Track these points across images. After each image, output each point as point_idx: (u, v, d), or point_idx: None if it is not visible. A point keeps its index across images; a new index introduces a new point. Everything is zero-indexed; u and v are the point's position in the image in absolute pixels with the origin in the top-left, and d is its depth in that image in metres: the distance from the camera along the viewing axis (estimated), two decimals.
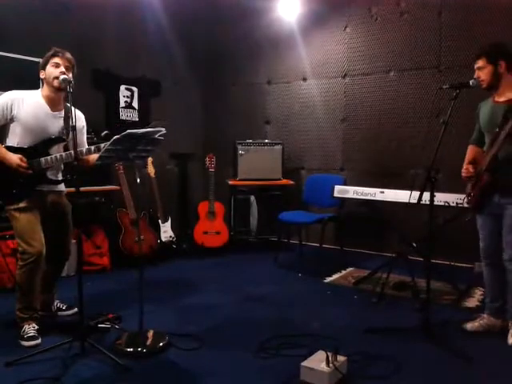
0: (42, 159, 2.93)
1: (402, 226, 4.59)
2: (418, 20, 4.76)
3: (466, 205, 3.08)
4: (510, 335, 2.88)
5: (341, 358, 2.45)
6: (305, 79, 5.58)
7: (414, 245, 3.92)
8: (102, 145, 2.79)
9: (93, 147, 2.91)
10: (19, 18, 4.17)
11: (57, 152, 2.99)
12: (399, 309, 3.51)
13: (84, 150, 2.92)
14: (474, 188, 2.94)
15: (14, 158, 2.84)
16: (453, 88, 2.85)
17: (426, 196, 2.92)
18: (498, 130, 2.75)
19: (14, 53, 4.18)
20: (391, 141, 4.99)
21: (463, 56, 4.34)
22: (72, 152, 2.74)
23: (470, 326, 3.09)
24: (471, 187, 2.98)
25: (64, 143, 3.04)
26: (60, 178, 3.15)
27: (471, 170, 2.93)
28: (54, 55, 2.91)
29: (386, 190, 4.12)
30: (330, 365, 2.38)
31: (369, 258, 4.91)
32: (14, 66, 4.17)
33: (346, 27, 5.23)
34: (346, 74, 5.28)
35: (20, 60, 4.19)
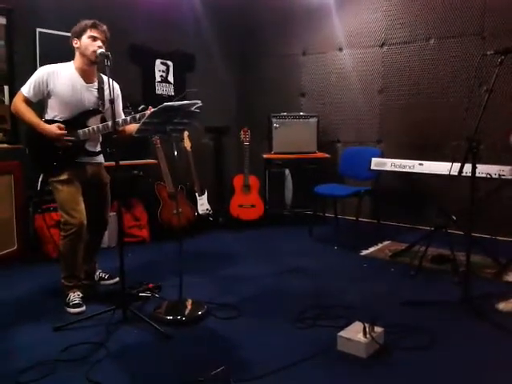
0: (81, 131, 2.99)
1: (441, 199, 4.50)
2: None
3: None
4: None
5: (378, 329, 2.46)
6: (341, 49, 5.46)
7: (454, 218, 3.83)
8: (138, 115, 2.83)
9: (129, 117, 2.95)
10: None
11: (94, 123, 3.04)
12: (438, 282, 3.47)
13: (120, 121, 2.96)
14: None
15: (53, 128, 2.90)
16: (498, 54, 2.73)
17: (468, 168, 2.85)
18: None
19: (51, 29, 4.26)
20: (431, 111, 4.84)
21: (508, 22, 4.14)
22: (109, 123, 2.78)
23: (502, 306, 2.97)
24: None
25: (101, 114, 3.09)
26: (99, 149, 3.20)
27: None
28: (92, 27, 2.91)
29: (425, 162, 4.02)
30: (367, 335, 2.39)
31: (406, 232, 4.84)
32: (51, 42, 4.25)
33: None
34: (383, 43, 5.13)
35: (57, 36, 4.26)
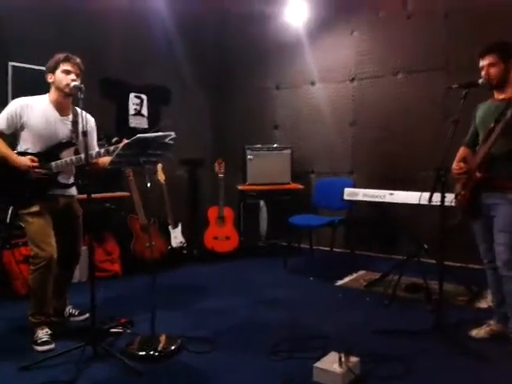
0: (53, 163, 2.96)
1: (413, 228, 4.57)
2: (425, 23, 4.77)
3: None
4: None
5: (353, 359, 2.45)
6: (313, 83, 5.60)
7: (426, 246, 3.89)
8: (111, 147, 2.83)
9: (102, 150, 2.94)
10: (25, 29, 4.24)
11: (67, 156, 3.01)
12: (411, 311, 3.49)
13: (94, 153, 2.95)
14: (465, 187, 2.87)
15: (25, 160, 2.87)
16: (461, 87, 2.84)
17: (437, 197, 2.91)
18: (493, 124, 2.68)
19: (24, 63, 4.25)
20: (400, 143, 4.98)
21: (471, 57, 4.32)
22: (82, 156, 2.77)
23: (475, 332, 2.99)
24: (461, 187, 2.91)
25: (74, 147, 3.07)
26: (71, 181, 3.17)
27: (463, 166, 2.85)
28: (64, 60, 2.92)
29: (395, 192, 4.11)
30: (343, 366, 2.37)
31: (380, 261, 4.88)
32: (23, 76, 4.24)
33: (353, 31, 5.25)
34: (354, 78, 5.29)
35: (29, 69, 4.25)
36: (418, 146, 4.79)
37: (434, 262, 3.78)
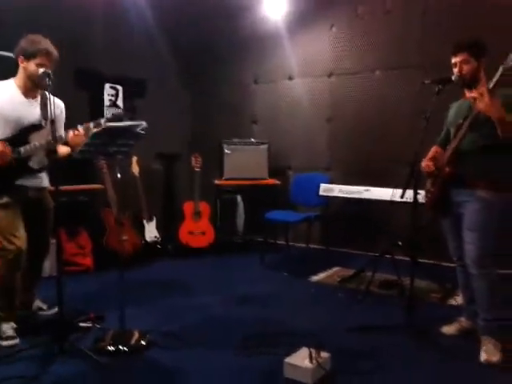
0: (22, 148, 2.85)
1: (388, 225, 4.60)
2: (403, 19, 4.78)
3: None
4: (482, 352, 2.65)
5: (324, 355, 2.44)
6: (291, 78, 5.57)
7: (400, 243, 3.91)
8: (79, 126, 2.77)
9: (71, 130, 2.86)
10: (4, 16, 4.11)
11: (37, 140, 2.90)
12: (384, 307, 3.50)
13: (63, 135, 2.87)
14: (434, 184, 2.87)
15: None
16: (434, 83, 2.84)
17: (410, 194, 2.92)
18: (461, 120, 2.70)
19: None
20: (376, 139, 4.98)
21: (448, 55, 4.35)
22: (50, 138, 2.69)
23: (446, 329, 3.01)
24: (431, 184, 2.91)
25: (43, 130, 2.95)
26: (42, 166, 3.06)
27: (431, 165, 2.85)
28: (44, 55, 2.81)
29: (371, 188, 4.12)
30: (314, 361, 2.36)
31: (356, 258, 4.89)
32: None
33: (332, 26, 5.23)
34: (331, 73, 5.28)
35: (5, 57, 4.12)
36: (394, 142, 4.80)
37: (407, 258, 3.80)
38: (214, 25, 5.85)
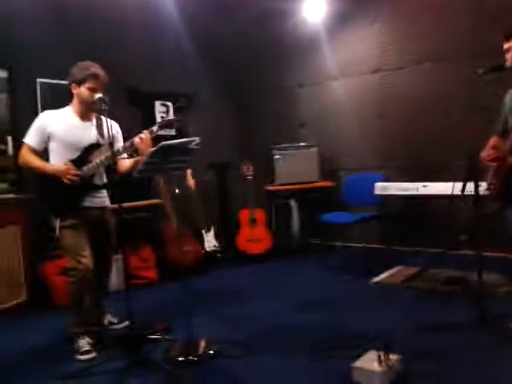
0: (85, 167, 3.01)
1: (448, 220, 4.46)
2: (449, 9, 4.64)
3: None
4: None
5: (393, 357, 2.40)
6: (336, 79, 5.54)
7: (463, 238, 3.78)
8: (135, 138, 2.90)
9: (127, 143, 2.98)
10: (49, 46, 4.36)
11: (97, 158, 3.04)
12: (451, 304, 3.40)
13: (120, 149, 3.00)
14: (497, 175, 2.77)
15: (61, 165, 2.93)
16: (488, 72, 2.75)
17: (471, 186, 2.83)
18: None
19: (51, 78, 4.37)
20: (430, 133, 4.86)
21: (499, 42, 4.19)
22: (109, 153, 2.84)
23: None
24: (493, 175, 2.81)
25: (102, 148, 3.08)
26: (105, 181, 3.22)
27: (492, 153, 2.76)
28: (92, 78, 2.94)
29: (428, 184, 4.01)
30: (383, 364, 2.32)
31: (417, 255, 4.77)
32: (51, 91, 4.35)
33: (374, 22, 5.16)
34: (377, 69, 5.20)
35: (57, 84, 4.35)
36: (448, 135, 4.66)
37: (472, 253, 3.68)
38: (257, 32, 5.92)
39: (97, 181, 3.14)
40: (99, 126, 3.08)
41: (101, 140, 3.07)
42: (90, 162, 3.04)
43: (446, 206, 4.35)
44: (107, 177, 3.25)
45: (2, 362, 2.96)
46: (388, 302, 3.62)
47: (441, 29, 4.72)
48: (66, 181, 2.93)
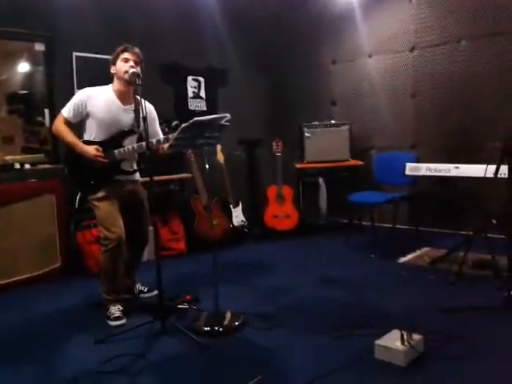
0: (116, 151, 3.09)
1: (480, 202, 4.40)
2: None
3: None
4: None
5: (416, 337, 2.41)
6: (370, 56, 5.43)
7: (494, 221, 3.72)
8: (171, 135, 2.90)
9: (162, 138, 3.04)
10: (86, 22, 4.41)
11: (129, 144, 3.13)
12: (479, 288, 3.37)
13: (155, 141, 3.03)
14: None
15: (91, 149, 3.02)
16: None
17: (505, 169, 2.77)
18: None
19: (86, 52, 4.44)
20: (465, 113, 4.74)
21: None
22: (143, 143, 2.89)
23: None
24: None
25: (136, 134, 3.18)
26: (134, 167, 3.30)
27: None
28: (123, 51, 3.06)
29: (461, 166, 3.93)
30: (405, 343, 2.35)
31: (445, 238, 4.71)
32: (86, 65, 4.44)
33: None
34: (413, 47, 5.08)
35: (92, 58, 4.45)
36: (484, 116, 4.54)
37: (503, 237, 3.62)
38: (288, 8, 5.83)
39: (126, 166, 3.21)
40: (137, 111, 3.12)
41: (136, 126, 3.13)
42: (123, 146, 3.11)
43: (477, 189, 4.28)
44: (139, 164, 3.33)
45: (36, 325, 3.12)
46: (414, 283, 3.61)
47: (479, 5, 4.54)
48: (94, 164, 3.03)
